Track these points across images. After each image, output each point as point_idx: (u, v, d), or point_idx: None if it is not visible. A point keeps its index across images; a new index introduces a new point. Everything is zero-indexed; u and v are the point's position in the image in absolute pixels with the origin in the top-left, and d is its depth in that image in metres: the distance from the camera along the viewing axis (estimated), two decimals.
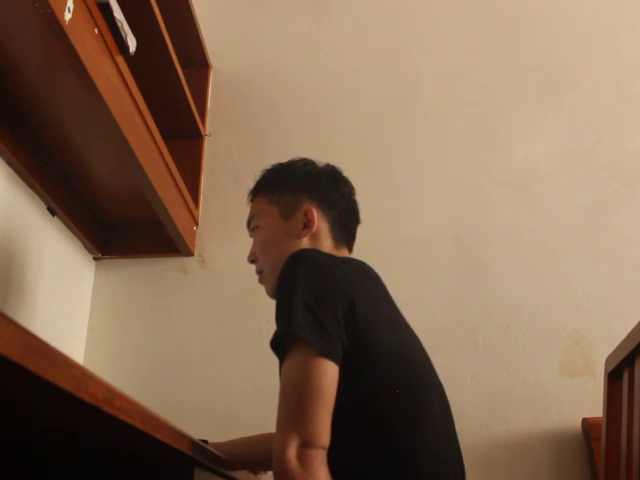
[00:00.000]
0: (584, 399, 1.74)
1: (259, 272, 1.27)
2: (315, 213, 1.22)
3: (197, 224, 2.02)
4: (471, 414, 1.76)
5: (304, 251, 1.11)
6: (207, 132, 2.14)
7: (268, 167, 1.33)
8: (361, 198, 1.32)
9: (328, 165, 1.31)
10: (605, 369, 1.29)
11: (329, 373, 0.96)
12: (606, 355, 1.29)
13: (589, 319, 1.83)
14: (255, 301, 1.75)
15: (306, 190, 1.25)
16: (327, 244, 1.22)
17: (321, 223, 1.22)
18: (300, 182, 1.26)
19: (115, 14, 1.29)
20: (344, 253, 1.25)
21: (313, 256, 1.08)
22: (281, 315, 1.02)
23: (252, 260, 1.29)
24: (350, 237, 1.28)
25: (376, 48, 2.23)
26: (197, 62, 2.18)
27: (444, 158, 2.06)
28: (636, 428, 1.06)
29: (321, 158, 1.31)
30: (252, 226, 1.30)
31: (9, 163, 1.49)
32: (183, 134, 2.05)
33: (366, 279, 1.15)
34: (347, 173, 1.31)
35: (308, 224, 1.21)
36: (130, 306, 1.97)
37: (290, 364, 0.97)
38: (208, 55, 2.21)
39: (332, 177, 1.29)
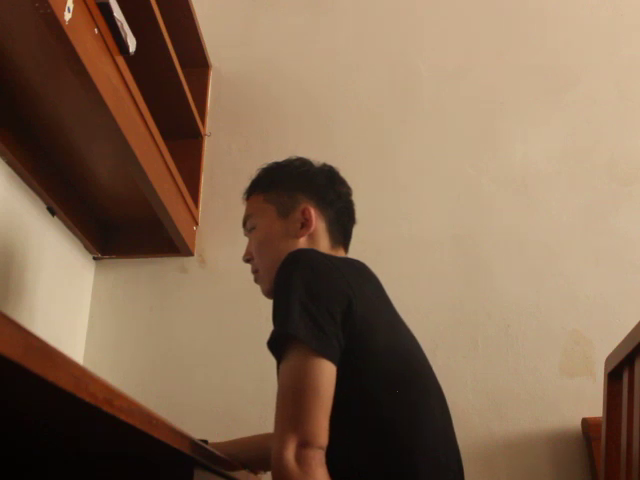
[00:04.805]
0: (584, 399, 1.74)
1: (255, 271, 1.27)
2: (313, 212, 1.22)
3: (197, 224, 2.02)
4: (471, 414, 1.76)
5: (301, 251, 1.11)
6: (207, 132, 2.14)
7: (264, 166, 1.32)
8: (361, 198, 1.32)
9: (325, 165, 1.30)
10: (605, 369, 1.29)
11: (326, 373, 0.96)
12: (606, 355, 1.29)
13: (589, 319, 1.83)
14: (255, 301, 1.74)
15: (304, 189, 1.24)
16: (324, 244, 1.22)
17: (319, 223, 1.22)
18: (297, 181, 1.26)
19: (115, 14, 1.29)
20: (340, 253, 1.25)
21: (310, 256, 1.08)
22: (278, 315, 1.02)
23: (247, 259, 1.28)
24: (346, 237, 1.28)
25: (376, 48, 2.23)
26: (197, 62, 2.18)
27: (444, 158, 2.06)
28: (636, 428, 1.06)
29: (321, 158, 1.31)
30: (248, 226, 1.29)
31: (9, 163, 1.49)
32: (183, 134, 2.05)
33: (363, 279, 1.15)
34: (347, 173, 1.31)
35: (306, 223, 1.21)
36: (130, 306, 1.97)
37: (287, 364, 0.97)
38: (208, 55, 2.21)
39: (329, 177, 1.28)
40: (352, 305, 1.02)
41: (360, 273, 1.16)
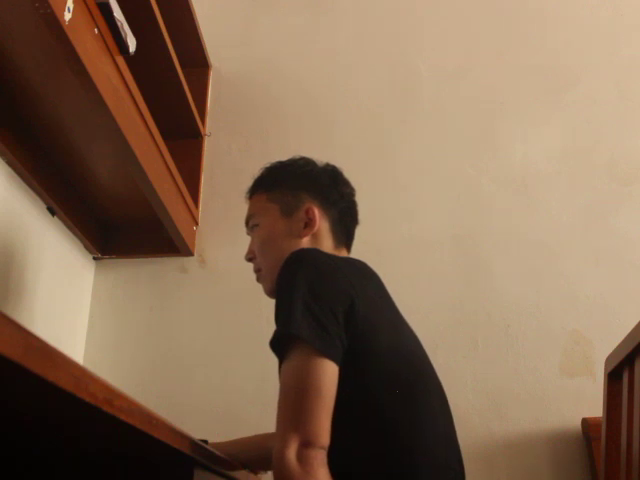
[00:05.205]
0: (584, 399, 1.74)
1: (257, 270, 1.27)
2: (317, 212, 1.22)
3: (197, 224, 2.02)
4: (471, 414, 1.76)
5: (304, 251, 1.11)
6: (207, 132, 2.14)
7: (268, 165, 1.32)
8: (361, 198, 1.32)
9: (328, 165, 1.30)
10: (605, 369, 1.29)
11: (329, 373, 0.96)
12: (606, 355, 1.29)
13: (589, 319, 1.83)
14: (255, 301, 1.75)
15: (307, 189, 1.24)
16: (327, 244, 1.22)
17: (322, 223, 1.22)
18: (301, 181, 1.26)
19: (115, 14, 1.29)
20: (343, 253, 1.25)
21: (313, 256, 1.08)
22: (280, 315, 1.02)
23: (250, 258, 1.28)
24: (349, 237, 1.28)
25: (376, 48, 2.23)
26: (197, 62, 2.18)
27: (444, 158, 2.06)
28: (636, 428, 1.06)
29: (321, 158, 1.31)
30: (251, 224, 1.29)
31: (9, 163, 1.49)
32: (183, 134, 2.05)
33: (366, 280, 1.15)
34: (347, 173, 1.31)
35: (310, 223, 1.21)
36: (130, 306, 1.97)
37: (289, 364, 0.97)
38: (208, 55, 2.21)
39: (333, 177, 1.28)
40: (355, 305, 1.02)
41: (363, 273, 1.16)
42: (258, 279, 1.27)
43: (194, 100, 1.99)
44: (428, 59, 2.19)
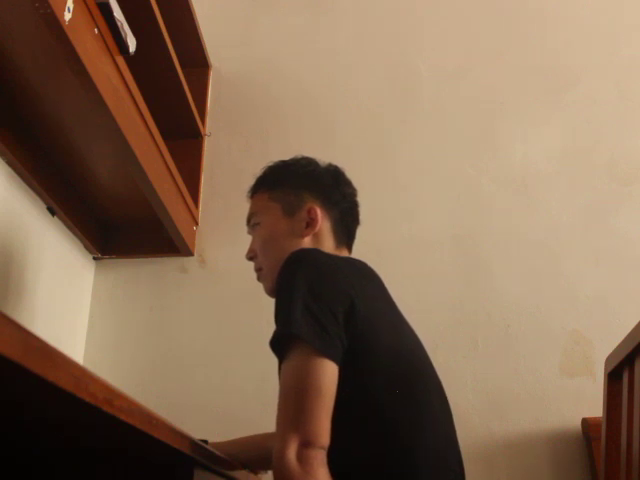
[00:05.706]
0: (584, 399, 1.74)
1: (258, 269, 1.27)
2: (319, 212, 1.22)
3: (197, 224, 2.02)
4: (471, 414, 1.76)
5: (304, 251, 1.11)
6: (207, 132, 2.14)
7: (270, 164, 1.32)
8: (361, 198, 1.32)
9: (331, 165, 1.30)
10: (605, 369, 1.29)
11: (328, 373, 0.96)
12: (606, 355, 1.29)
13: (589, 319, 1.83)
14: (255, 301, 1.74)
15: (309, 189, 1.24)
16: (329, 244, 1.22)
17: (324, 223, 1.22)
18: (303, 180, 1.26)
19: (115, 14, 1.29)
20: (344, 253, 1.25)
21: (313, 256, 1.08)
22: (280, 315, 1.02)
23: (251, 257, 1.28)
24: (350, 237, 1.28)
25: (376, 48, 2.23)
26: (197, 62, 2.18)
27: (444, 158, 2.06)
28: (636, 428, 1.06)
29: (321, 158, 1.31)
30: (252, 223, 1.28)
31: (9, 163, 1.49)
32: (183, 134, 2.05)
33: (366, 280, 1.15)
34: (347, 173, 1.31)
35: (311, 223, 1.21)
36: (130, 306, 1.97)
37: (289, 364, 0.97)
38: (208, 55, 2.21)
39: (335, 177, 1.28)
40: (355, 305, 1.02)
41: (363, 274, 1.16)
42: (259, 278, 1.27)
43: (194, 100, 1.99)
44: (428, 59, 2.19)
